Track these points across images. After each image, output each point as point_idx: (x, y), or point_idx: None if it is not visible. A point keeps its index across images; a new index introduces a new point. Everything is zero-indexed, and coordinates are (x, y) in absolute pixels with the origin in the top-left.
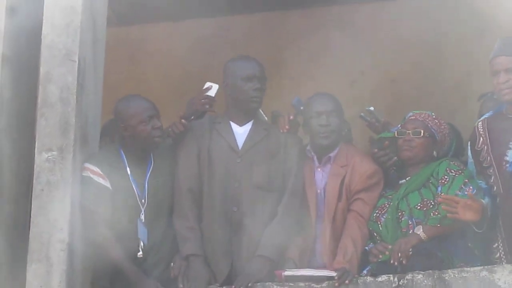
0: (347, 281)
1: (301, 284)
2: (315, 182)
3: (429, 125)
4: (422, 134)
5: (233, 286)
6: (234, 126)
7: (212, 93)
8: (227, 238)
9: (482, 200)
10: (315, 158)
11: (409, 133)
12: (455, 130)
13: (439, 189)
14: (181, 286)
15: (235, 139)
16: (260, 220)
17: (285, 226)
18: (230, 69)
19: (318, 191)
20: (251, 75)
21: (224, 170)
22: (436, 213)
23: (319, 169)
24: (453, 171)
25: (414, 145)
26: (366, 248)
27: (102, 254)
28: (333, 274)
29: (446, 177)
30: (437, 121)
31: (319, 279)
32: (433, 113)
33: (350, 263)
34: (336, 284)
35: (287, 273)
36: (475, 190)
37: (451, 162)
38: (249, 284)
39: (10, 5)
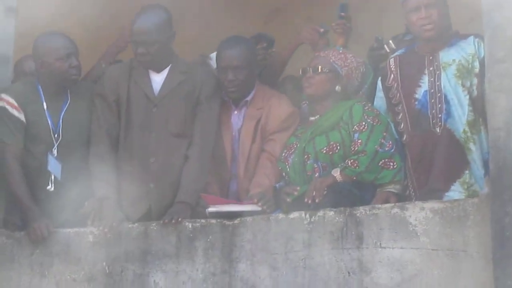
0: (265, 207)
1: (213, 221)
2: (231, 125)
3: (331, 60)
4: (320, 70)
5: (163, 221)
6: (151, 73)
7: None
8: (145, 186)
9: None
10: (231, 101)
11: (309, 70)
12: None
13: (357, 135)
14: (89, 223)
15: (152, 87)
16: (179, 168)
17: (200, 169)
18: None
19: (233, 133)
20: None
21: (140, 119)
22: (355, 165)
23: (235, 112)
24: (370, 117)
25: (313, 82)
26: (276, 185)
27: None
28: (258, 208)
29: (363, 123)
30: (343, 55)
31: (242, 214)
32: (341, 48)
33: (265, 193)
34: (259, 204)
35: (211, 209)
36: (393, 147)
37: (365, 107)
38: (179, 219)
39: None
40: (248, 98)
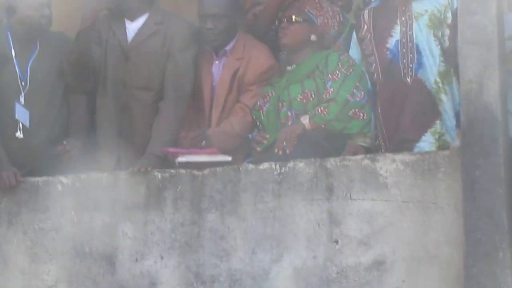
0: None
1: (182, 171)
2: (212, 74)
3: (306, 9)
4: (294, 19)
5: (132, 169)
6: (127, 22)
7: None
8: (116, 138)
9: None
10: (212, 51)
11: (284, 20)
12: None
13: (329, 84)
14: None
15: (126, 36)
16: (146, 121)
17: (172, 121)
18: None
19: (214, 83)
20: None
21: (114, 70)
22: (325, 112)
23: (216, 62)
24: (345, 67)
25: (288, 32)
26: (249, 136)
27: None
28: (228, 158)
29: (337, 72)
30: (318, 4)
31: (212, 164)
32: None
33: (219, 135)
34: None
35: (180, 159)
36: (365, 99)
37: (341, 56)
38: (148, 168)
39: None
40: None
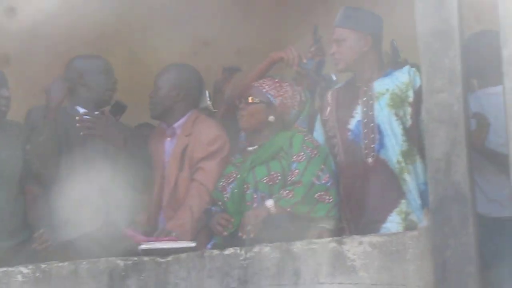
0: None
1: (145, 258)
2: (164, 151)
3: (264, 90)
4: (250, 100)
5: None
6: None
7: None
8: None
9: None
10: (166, 127)
11: (242, 101)
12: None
13: (294, 165)
14: None
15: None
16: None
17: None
18: None
19: (166, 160)
20: None
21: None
22: (290, 196)
23: (168, 139)
24: (309, 148)
25: (244, 114)
26: (212, 208)
27: None
28: (192, 244)
29: (302, 154)
30: (278, 84)
31: (176, 251)
32: (277, 77)
33: (181, 227)
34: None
35: (143, 246)
36: (330, 181)
37: (305, 137)
38: None
39: None
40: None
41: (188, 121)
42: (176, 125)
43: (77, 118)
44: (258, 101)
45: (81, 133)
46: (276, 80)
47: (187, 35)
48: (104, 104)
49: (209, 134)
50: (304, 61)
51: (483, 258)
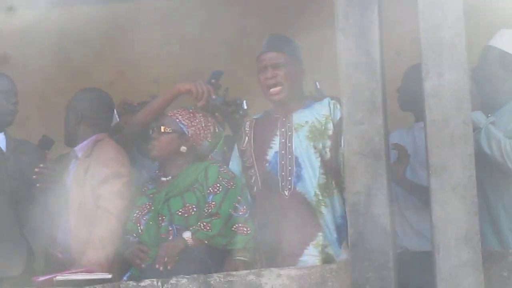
0: None
1: None
2: (69, 173)
3: (177, 120)
4: (163, 130)
5: None
6: None
7: None
8: None
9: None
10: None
11: (154, 130)
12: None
13: (211, 197)
14: None
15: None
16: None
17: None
18: None
19: (68, 183)
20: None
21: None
22: (208, 228)
23: (73, 160)
24: (225, 180)
25: (156, 144)
26: (130, 238)
27: None
28: (108, 276)
29: (218, 185)
30: (191, 114)
31: (92, 282)
32: (192, 108)
33: (99, 265)
34: None
35: (59, 277)
36: (248, 213)
37: (220, 169)
38: None
39: None
40: (77, 148)
41: (90, 143)
42: (77, 148)
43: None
44: (171, 131)
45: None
46: (190, 110)
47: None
48: (7, 125)
49: (107, 156)
50: (214, 96)
51: None
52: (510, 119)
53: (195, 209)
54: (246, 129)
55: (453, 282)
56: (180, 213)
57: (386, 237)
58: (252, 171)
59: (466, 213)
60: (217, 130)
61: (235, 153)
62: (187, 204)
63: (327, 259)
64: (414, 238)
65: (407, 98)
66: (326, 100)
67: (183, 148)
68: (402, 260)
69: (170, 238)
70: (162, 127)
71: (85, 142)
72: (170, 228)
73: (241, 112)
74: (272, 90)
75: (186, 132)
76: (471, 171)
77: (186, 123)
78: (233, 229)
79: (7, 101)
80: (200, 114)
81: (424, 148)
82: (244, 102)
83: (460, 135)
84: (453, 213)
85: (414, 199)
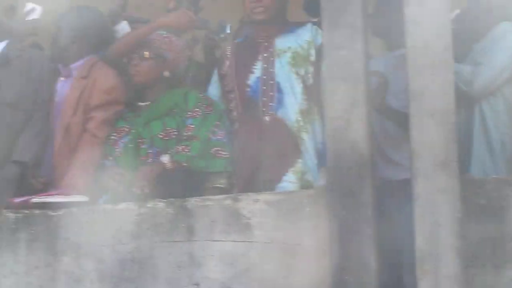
0: None
1: (36, 211)
2: (56, 94)
3: (156, 45)
4: (146, 55)
5: None
6: None
7: (36, 15)
8: None
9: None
10: (61, 68)
11: (135, 56)
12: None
13: (190, 121)
14: None
15: None
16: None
17: (36, 134)
18: None
19: (57, 100)
20: None
21: None
22: (186, 150)
23: (62, 79)
24: (204, 105)
25: (140, 70)
26: (106, 162)
27: None
28: (85, 199)
29: (197, 110)
30: (168, 39)
31: (68, 205)
32: (165, 32)
33: (76, 189)
34: None
35: (35, 199)
36: (226, 138)
37: (199, 95)
38: None
39: None
40: (73, 65)
41: (86, 64)
42: (73, 66)
43: None
44: (154, 56)
45: None
46: (165, 35)
47: None
48: None
49: (107, 82)
50: (196, 20)
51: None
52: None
53: (175, 133)
54: (227, 52)
55: (430, 208)
56: (160, 136)
57: (364, 162)
58: (232, 95)
59: (444, 139)
60: (190, 54)
61: (215, 78)
62: (168, 128)
63: (305, 186)
64: (391, 169)
65: (380, 24)
66: (308, 25)
67: (166, 73)
68: (381, 189)
69: (149, 161)
70: (146, 53)
71: (80, 62)
72: (150, 151)
73: (222, 36)
74: (256, 10)
75: (167, 56)
76: (450, 98)
77: (165, 47)
78: (211, 152)
79: None
80: (175, 38)
81: (396, 77)
82: (228, 26)
83: (440, 61)
84: (431, 138)
85: (391, 130)
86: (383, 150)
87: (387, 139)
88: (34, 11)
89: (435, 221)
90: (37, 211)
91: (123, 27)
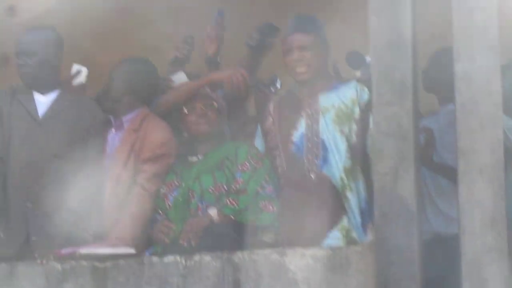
0: None
1: (84, 262)
2: (107, 145)
3: (215, 96)
4: (214, 105)
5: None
6: (36, 94)
7: (82, 79)
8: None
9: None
10: (112, 120)
11: (201, 107)
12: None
13: (239, 175)
14: None
15: (36, 108)
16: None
17: (87, 185)
18: None
19: (109, 152)
20: None
21: (23, 137)
22: (234, 204)
23: (113, 130)
24: (254, 159)
25: (207, 120)
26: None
27: None
28: (131, 250)
29: (247, 163)
30: (215, 95)
31: (116, 257)
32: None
33: (124, 241)
34: None
35: (83, 251)
36: (274, 193)
37: (250, 148)
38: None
39: None
40: (125, 118)
41: (137, 117)
42: (124, 118)
43: None
44: (217, 107)
45: None
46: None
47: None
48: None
49: (158, 135)
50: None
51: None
52: None
53: (225, 187)
54: (270, 109)
55: (477, 267)
56: (211, 190)
57: (412, 219)
58: (277, 152)
59: (493, 196)
60: None
61: (258, 133)
62: (218, 182)
63: (351, 243)
64: (443, 222)
65: (433, 80)
66: (352, 83)
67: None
68: (430, 243)
69: (199, 215)
70: (215, 103)
71: (132, 114)
72: (200, 205)
73: (272, 90)
74: (298, 69)
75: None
76: (499, 155)
77: (220, 101)
78: (259, 206)
79: None
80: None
81: (448, 132)
82: (279, 81)
83: (490, 118)
84: (479, 195)
85: (443, 183)
86: (435, 202)
87: (438, 192)
88: (80, 73)
89: (483, 280)
90: (84, 263)
91: (180, 77)
